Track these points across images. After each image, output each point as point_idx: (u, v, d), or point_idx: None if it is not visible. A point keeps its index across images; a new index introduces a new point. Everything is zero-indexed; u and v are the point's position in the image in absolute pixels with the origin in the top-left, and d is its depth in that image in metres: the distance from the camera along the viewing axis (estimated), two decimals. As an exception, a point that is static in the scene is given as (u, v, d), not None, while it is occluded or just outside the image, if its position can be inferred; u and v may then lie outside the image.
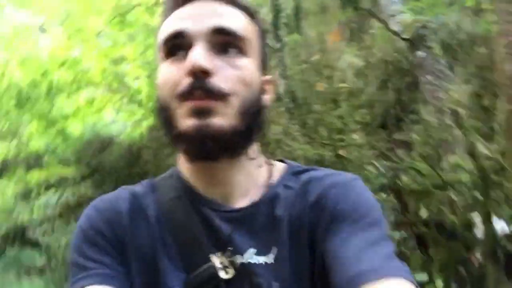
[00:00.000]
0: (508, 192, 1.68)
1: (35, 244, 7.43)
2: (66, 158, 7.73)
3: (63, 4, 7.23)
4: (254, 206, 0.67)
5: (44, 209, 7.52)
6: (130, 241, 0.65)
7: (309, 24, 8.34)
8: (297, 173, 0.72)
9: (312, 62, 3.11)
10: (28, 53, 6.88)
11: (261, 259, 0.63)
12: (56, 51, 7.03)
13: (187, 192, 0.69)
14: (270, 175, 0.72)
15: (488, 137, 1.97)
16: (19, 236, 7.66)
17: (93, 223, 0.67)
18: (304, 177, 0.70)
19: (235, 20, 0.65)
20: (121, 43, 7.14)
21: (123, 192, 0.72)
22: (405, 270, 0.54)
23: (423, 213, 2.20)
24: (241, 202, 0.68)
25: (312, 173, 0.71)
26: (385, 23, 3.68)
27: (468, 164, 1.91)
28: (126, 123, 7.74)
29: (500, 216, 1.96)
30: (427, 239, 2.29)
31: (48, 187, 7.76)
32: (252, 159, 0.70)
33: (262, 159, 0.73)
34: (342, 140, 2.76)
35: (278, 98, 5.98)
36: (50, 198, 7.63)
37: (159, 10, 7.06)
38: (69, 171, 7.63)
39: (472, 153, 1.87)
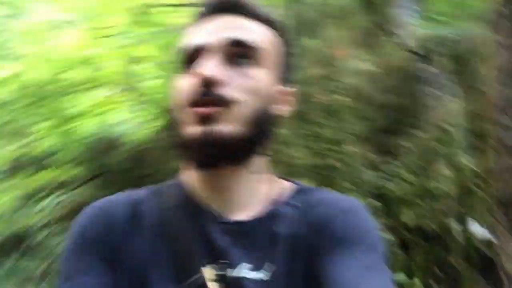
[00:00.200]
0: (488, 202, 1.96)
1: (36, 249, 7.71)
2: (74, 158, 8.03)
3: (85, 1, 7.74)
4: (254, 221, 0.69)
5: (48, 211, 7.81)
6: (123, 249, 0.67)
7: (328, 28, 8.65)
8: (302, 193, 0.75)
9: (315, 74, 3.39)
10: (46, 50, 7.39)
11: (255, 275, 0.64)
12: (75, 49, 7.52)
13: (187, 201, 0.72)
14: (273, 191, 0.75)
15: (472, 151, 2.24)
16: (20, 242, 7.99)
17: (85, 231, 0.69)
18: (310, 197, 0.73)
19: (251, 32, 0.70)
20: (138, 43, 7.55)
21: (121, 197, 0.74)
22: None
23: (406, 219, 2.47)
24: (241, 215, 0.70)
25: (317, 194, 0.73)
26: (391, 35, 3.96)
27: (450, 174, 2.18)
28: (136, 123, 8.12)
29: (482, 223, 2.23)
30: (408, 243, 2.56)
31: (54, 188, 8.05)
32: (257, 172, 0.72)
33: (267, 174, 0.75)
34: (336, 150, 3.05)
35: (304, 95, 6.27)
36: (55, 199, 7.93)
37: (179, 10, 7.48)
38: (77, 172, 7.89)
39: (453, 164, 2.14)
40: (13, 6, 7.09)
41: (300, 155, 3.28)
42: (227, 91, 0.65)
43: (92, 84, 7.31)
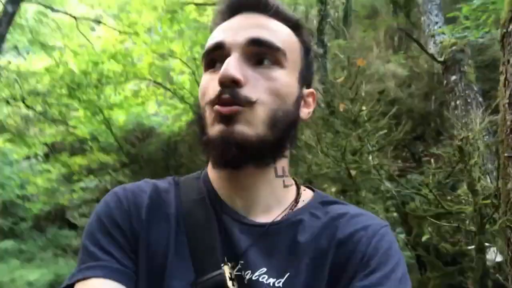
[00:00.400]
0: (502, 226, 1.90)
1: (73, 226, 8.17)
2: (108, 145, 8.31)
3: (117, -2, 7.92)
4: (276, 226, 0.67)
5: (83, 193, 8.22)
6: (145, 235, 0.66)
7: (357, 28, 8.50)
8: (324, 203, 0.73)
9: (337, 84, 3.33)
10: (82, 44, 7.62)
11: (273, 282, 0.63)
12: (108, 43, 7.72)
13: (210, 196, 0.71)
14: (296, 198, 0.73)
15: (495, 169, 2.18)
16: (59, 217, 8.47)
17: (110, 212, 0.68)
18: (332, 209, 0.71)
19: (273, 32, 0.68)
20: (169, 39, 7.68)
21: (146, 185, 0.73)
22: None
23: (424, 237, 2.43)
24: (262, 218, 0.68)
25: (341, 208, 0.72)
26: (420, 45, 3.84)
27: (469, 195, 2.13)
28: (167, 116, 8.31)
29: (496, 247, 2.17)
30: (425, 262, 2.52)
31: (89, 172, 8.42)
32: (280, 176, 0.71)
33: (290, 180, 0.74)
34: (356, 161, 3.00)
35: (324, 103, 6.25)
36: (90, 182, 8.32)
37: (209, 8, 7.55)
38: (110, 159, 8.18)
39: (472, 188, 2.10)
40: (48, 0, 7.30)
41: (322, 163, 3.26)
42: (248, 92, 0.62)
43: (124, 77, 7.47)
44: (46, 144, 8.29)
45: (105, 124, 7.78)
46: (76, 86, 7.41)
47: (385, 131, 3.32)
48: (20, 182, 7.83)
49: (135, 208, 0.68)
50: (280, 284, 0.63)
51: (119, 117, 8.01)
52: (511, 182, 1.87)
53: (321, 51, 7.00)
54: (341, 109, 3.09)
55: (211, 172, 0.73)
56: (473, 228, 2.14)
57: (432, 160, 2.94)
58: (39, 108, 7.44)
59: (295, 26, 0.71)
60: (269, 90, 0.64)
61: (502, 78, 1.97)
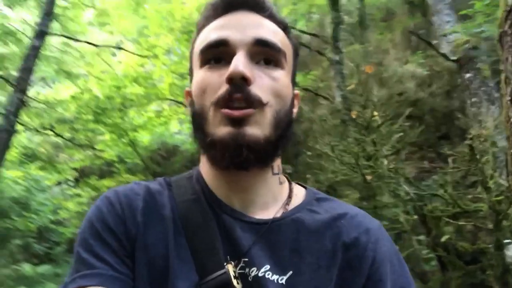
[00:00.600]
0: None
1: None
2: (135, 166, 8.59)
3: (137, 23, 8.28)
4: (278, 223, 0.68)
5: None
6: (142, 238, 0.65)
7: (373, 32, 8.53)
8: (319, 200, 0.75)
9: (349, 91, 3.39)
10: (104, 70, 8.00)
11: (277, 279, 0.64)
12: (130, 67, 8.07)
13: (206, 196, 0.71)
14: (290, 194, 0.74)
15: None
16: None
17: (103, 217, 0.66)
18: (329, 207, 0.74)
19: (275, 34, 0.69)
20: (187, 58, 7.93)
21: (138, 188, 0.71)
22: None
23: (444, 238, 2.44)
24: (260, 215, 0.69)
25: (336, 206, 0.74)
26: (432, 45, 3.86)
27: (485, 194, 2.15)
28: (189, 133, 8.54)
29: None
30: (446, 262, 2.52)
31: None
32: (276, 174, 0.72)
33: (283, 176, 0.75)
34: (371, 166, 3.04)
35: (333, 110, 6.31)
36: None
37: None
38: (137, 179, 8.43)
39: (485, 186, 2.12)
40: (69, 30, 7.72)
41: (338, 170, 3.32)
42: (257, 91, 0.63)
43: (147, 99, 7.77)
44: (75, 169, 8.66)
45: (130, 145, 8.07)
46: (101, 111, 7.76)
47: (401, 134, 3.35)
48: (52, 208, 8.20)
49: (130, 212, 0.67)
50: (283, 281, 0.63)
51: (144, 137, 8.31)
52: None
53: (336, 57, 7.08)
54: (353, 116, 3.16)
55: (206, 172, 0.72)
56: (490, 225, 2.16)
57: (450, 160, 2.95)
58: (67, 134, 7.82)
59: (285, 28, 0.73)
60: (273, 91, 0.65)
61: (502, 76, 2.01)
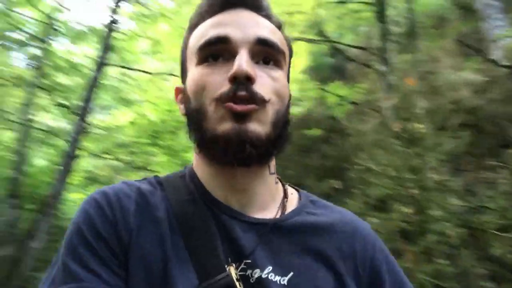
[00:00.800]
0: None
1: None
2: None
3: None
4: (278, 224, 0.67)
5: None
6: (136, 244, 0.61)
7: (423, 40, 8.27)
8: (313, 202, 0.76)
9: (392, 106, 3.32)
10: (158, 95, 8.47)
11: (278, 279, 0.63)
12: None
13: (202, 195, 0.68)
14: (286, 194, 0.75)
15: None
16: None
17: (92, 222, 0.62)
18: (324, 210, 0.74)
19: (274, 33, 0.69)
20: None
21: (128, 188, 0.68)
22: None
23: (495, 251, 2.28)
24: (259, 215, 0.68)
25: (331, 210, 0.75)
26: (480, 51, 3.68)
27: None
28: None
29: None
30: (498, 277, 2.34)
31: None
32: (273, 173, 0.71)
33: (277, 176, 0.75)
34: (416, 179, 2.94)
35: (382, 123, 6.16)
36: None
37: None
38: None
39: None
40: (126, 60, 8.29)
41: (385, 184, 3.25)
42: (260, 90, 0.63)
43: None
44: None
45: (183, 166, 8.39)
46: (156, 134, 8.21)
47: (451, 144, 3.22)
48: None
49: (121, 215, 0.63)
50: (285, 282, 0.63)
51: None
52: None
53: (384, 69, 6.96)
54: (396, 129, 3.08)
55: (201, 171, 0.71)
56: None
57: (503, 170, 2.79)
58: (125, 158, 8.32)
59: (280, 28, 0.73)
60: (274, 90, 0.65)
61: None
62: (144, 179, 0.73)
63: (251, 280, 0.62)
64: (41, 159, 9.35)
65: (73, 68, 8.53)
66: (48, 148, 9.91)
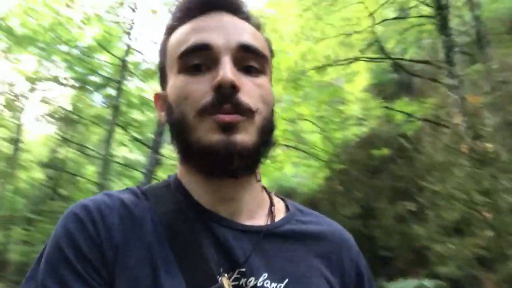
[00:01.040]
0: None
1: None
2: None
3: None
4: (270, 231, 0.68)
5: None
6: (123, 261, 0.59)
7: (496, 47, 7.81)
8: (301, 211, 0.76)
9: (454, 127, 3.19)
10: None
11: (274, 285, 0.63)
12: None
13: (191, 205, 0.67)
14: (272, 201, 0.74)
15: None
16: None
17: (73, 240, 0.59)
18: (312, 218, 0.75)
19: (257, 38, 0.68)
20: (296, 104, 8.37)
21: (110, 201, 0.65)
22: None
23: None
24: (248, 222, 0.68)
25: (318, 219, 0.76)
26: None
27: None
28: (305, 175, 8.79)
29: None
30: None
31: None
32: (259, 181, 0.71)
33: (262, 184, 0.75)
34: (489, 202, 2.79)
35: (458, 138, 5.89)
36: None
37: (329, 68, 8.06)
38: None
39: None
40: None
41: (455, 208, 3.13)
42: (246, 99, 0.62)
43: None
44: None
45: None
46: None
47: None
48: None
49: (105, 231, 0.60)
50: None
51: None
52: None
53: (453, 82, 6.71)
54: (464, 150, 2.96)
55: (188, 181, 0.69)
56: None
57: None
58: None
59: (260, 29, 0.72)
60: (261, 98, 0.64)
61: None
62: (126, 189, 0.71)
63: None
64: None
65: (145, 104, 9.24)
66: (126, 180, 10.73)
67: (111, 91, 9.70)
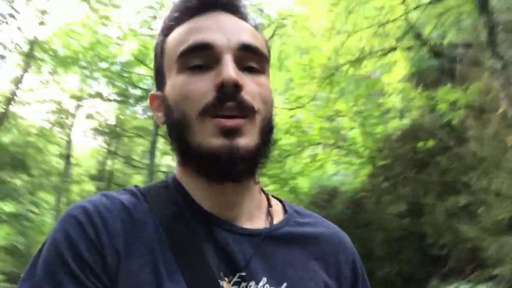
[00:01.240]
0: None
1: None
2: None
3: (283, 78, 9.03)
4: (270, 235, 0.67)
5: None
6: (126, 266, 0.58)
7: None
8: (298, 213, 0.76)
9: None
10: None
11: None
12: (281, 120, 8.76)
13: (191, 207, 0.66)
14: (270, 203, 0.74)
15: None
16: None
17: (73, 244, 0.57)
18: (310, 220, 0.75)
19: (256, 38, 0.68)
20: (332, 100, 8.21)
21: (110, 204, 0.63)
22: None
23: None
24: (247, 225, 0.68)
25: (316, 220, 0.76)
26: None
27: None
28: (346, 173, 8.58)
29: None
30: None
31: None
32: (258, 182, 0.71)
33: (260, 185, 0.74)
34: None
35: (505, 127, 5.49)
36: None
37: (364, 61, 7.82)
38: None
39: None
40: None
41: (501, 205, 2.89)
42: (249, 98, 0.61)
43: (300, 147, 8.21)
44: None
45: (292, 192, 8.56)
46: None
47: None
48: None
49: (107, 237, 0.59)
50: None
51: (303, 183, 8.71)
52: None
53: (498, 65, 6.29)
54: (510, 143, 2.71)
55: (187, 182, 0.68)
56: None
57: None
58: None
59: (257, 28, 0.71)
60: (261, 97, 0.64)
61: None
62: (124, 189, 0.69)
63: None
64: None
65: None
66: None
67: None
